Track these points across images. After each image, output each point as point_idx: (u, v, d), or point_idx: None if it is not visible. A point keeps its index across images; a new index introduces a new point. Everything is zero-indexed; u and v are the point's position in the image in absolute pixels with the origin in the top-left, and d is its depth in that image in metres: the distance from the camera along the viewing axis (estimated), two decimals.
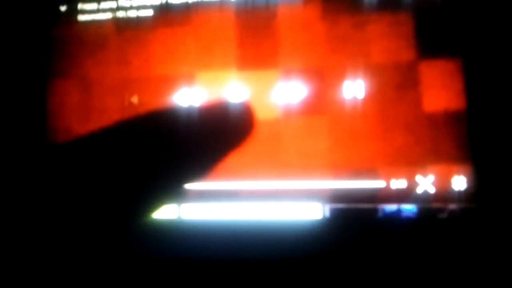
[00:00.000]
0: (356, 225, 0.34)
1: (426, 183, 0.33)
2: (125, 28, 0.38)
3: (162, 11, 0.37)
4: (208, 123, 0.14)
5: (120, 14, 0.38)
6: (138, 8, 0.38)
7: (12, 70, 0.38)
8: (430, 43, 0.33)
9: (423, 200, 0.33)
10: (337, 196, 0.34)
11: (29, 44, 0.38)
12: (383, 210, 0.34)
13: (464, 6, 0.33)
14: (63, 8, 0.39)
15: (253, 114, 0.14)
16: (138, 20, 0.38)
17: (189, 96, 0.36)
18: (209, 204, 0.36)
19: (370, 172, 0.34)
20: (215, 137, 0.14)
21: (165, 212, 0.36)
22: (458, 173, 0.33)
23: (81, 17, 0.38)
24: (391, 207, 0.34)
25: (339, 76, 0.34)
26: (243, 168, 0.35)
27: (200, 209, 0.36)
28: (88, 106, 0.38)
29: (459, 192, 0.33)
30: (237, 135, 0.14)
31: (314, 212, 0.35)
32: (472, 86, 0.33)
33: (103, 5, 0.38)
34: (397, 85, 0.34)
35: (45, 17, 0.38)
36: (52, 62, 0.38)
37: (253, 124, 0.14)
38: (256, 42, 0.35)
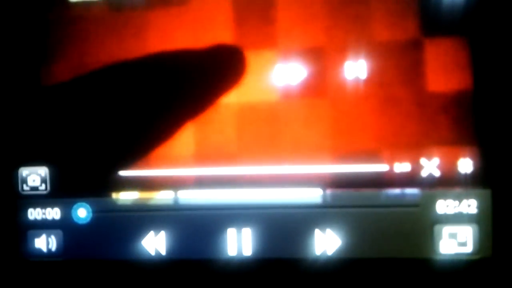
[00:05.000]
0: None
1: (430, 166, 0.32)
2: (119, 9, 0.36)
3: None
4: (200, 65, 0.14)
5: None
6: None
7: (5, 57, 0.37)
8: (435, 20, 0.32)
9: (428, 184, 0.32)
10: (338, 181, 0.33)
11: (22, 28, 0.37)
12: (386, 195, 0.33)
13: None
14: None
15: (243, 56, 0.14)
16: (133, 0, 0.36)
17: None
18: (207, 190, 0.35)
19: (372, 155, 0.33)
20: (208, 78, 0.14)
21: (161, 197, 0.35)
22: (464, 155, 0.32)
23: None
24: (394, 191, 0.33)
25: (340, 56, 0.33)
26: (240, 153, 0.34)
27: (197, 195, 0.35)
28: None
29: (465, 175, 0.32)
30: (229, 77, 0.14)
31: (314, 198, 0.34)
32: (479, 66, 0.32)
33: None
34: (400, 65, 0.32)
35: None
36: (45, 45, 0.37)
37: (243, 66, 0.14)
38: (253, 22, 0.34)
